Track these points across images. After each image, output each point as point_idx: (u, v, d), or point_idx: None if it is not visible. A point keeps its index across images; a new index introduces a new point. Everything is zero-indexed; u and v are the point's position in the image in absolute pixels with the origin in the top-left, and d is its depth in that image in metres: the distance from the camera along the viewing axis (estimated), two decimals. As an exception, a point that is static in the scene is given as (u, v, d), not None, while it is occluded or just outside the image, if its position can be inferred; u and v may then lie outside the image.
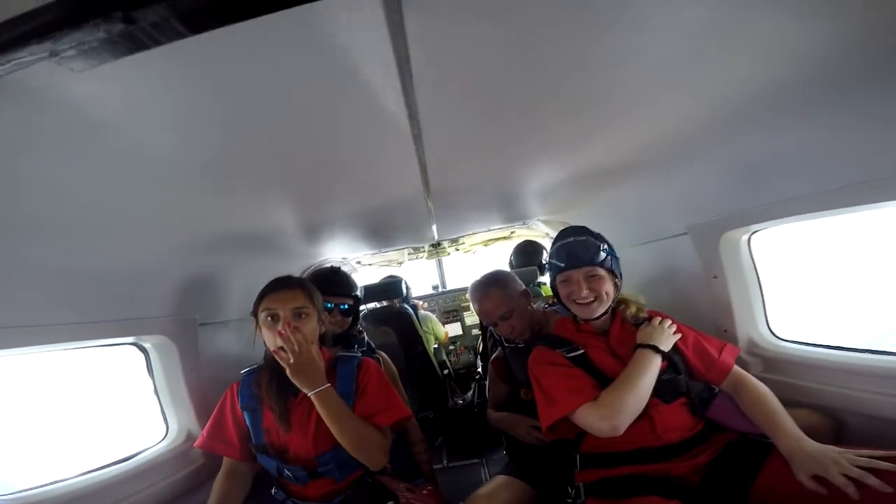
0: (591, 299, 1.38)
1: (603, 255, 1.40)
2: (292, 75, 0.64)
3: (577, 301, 1.39)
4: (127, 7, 0.45)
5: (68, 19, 0.45)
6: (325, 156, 0.98)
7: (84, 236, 1.12)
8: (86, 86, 0.57)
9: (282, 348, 1.27)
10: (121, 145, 0.75)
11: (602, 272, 1.39)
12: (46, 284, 1.18)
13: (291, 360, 1.24)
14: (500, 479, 1.54)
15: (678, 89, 0.93)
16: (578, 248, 1.40)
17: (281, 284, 1.38)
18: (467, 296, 1.87)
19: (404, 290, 3.28)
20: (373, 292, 3.17)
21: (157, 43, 0.49)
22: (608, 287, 1.40)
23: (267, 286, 1.39)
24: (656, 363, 1.28)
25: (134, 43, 0.49)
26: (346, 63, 0.63)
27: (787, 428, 1.17)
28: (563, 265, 1.41)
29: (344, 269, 1.92)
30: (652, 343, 1.32)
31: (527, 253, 3.24)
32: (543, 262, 2.99)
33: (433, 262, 4.67)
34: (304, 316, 1.34)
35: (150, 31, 0.47)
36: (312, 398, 1.27)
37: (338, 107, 0.76)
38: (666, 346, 1.33)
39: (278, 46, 0.57)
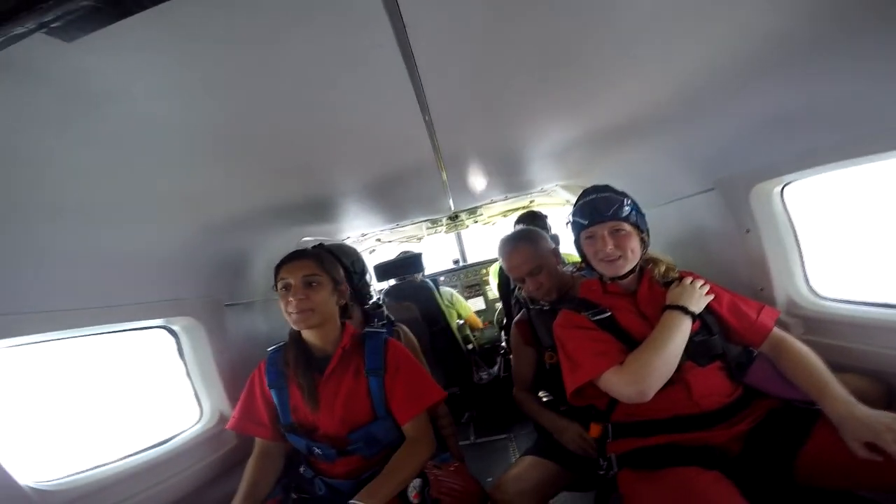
0: (617, 256, 1.32)
1: (627, 209, 1.34)
2: (290, 40, 0.62)
3: (603, 258, 1.34)
4: (107, -29, 0.43)
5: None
6: (331, 124, 0.96)
7: (105, 218, 1.13)
8: (81, 57, 0.56)
9: (291, 312, 1.32)
10: (126, 117, 0.74)
11: (627, 227, 1.33)
12: (71, 268, 1.20)
13: None
14: (528, 459, 1.53)
15: (695, 38, 0.87)
16: (601, 203, 1.34)
17: (293, 255, 1.40)
18: (497, 251, 1.81)
19: (423, 265, 3.27)
20: (391, 268, 3.17)
21: (143, 7, 0.48)
22: (634, 243, 1.34)
23: (282, 258, 1.41)
24: (686, 325, 1.23)
25: (120, 8, 0.48)
26: (344, 26, 0.61)
27: (836, 392, 1.10)
28: (586, 222, 1.36)
29: (361, 245, 1.91)
30: (681, 304, 1.26)
31: (530, 221, 3.14)
32: (549, 230, 2.91)
33: (452, 236, 4.64)
34: (314, 284, 1.35)
35: (135, -6, 0.46)
36: None
37: (339, 72, 0.73)
38: (696, 308, 1.26)
39: (274, 8, 0.55)
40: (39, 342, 1.25)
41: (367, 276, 1.94)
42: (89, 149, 0.80)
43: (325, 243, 1.74)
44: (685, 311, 1.24)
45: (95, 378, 1.65)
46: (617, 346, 1.27)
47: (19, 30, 0.46)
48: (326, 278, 1.38)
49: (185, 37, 0.58)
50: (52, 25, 0.47)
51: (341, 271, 1.48)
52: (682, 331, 1.22)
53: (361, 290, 1.87)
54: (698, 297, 1.29)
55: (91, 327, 1.36)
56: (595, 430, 1.40)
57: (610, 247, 1.31)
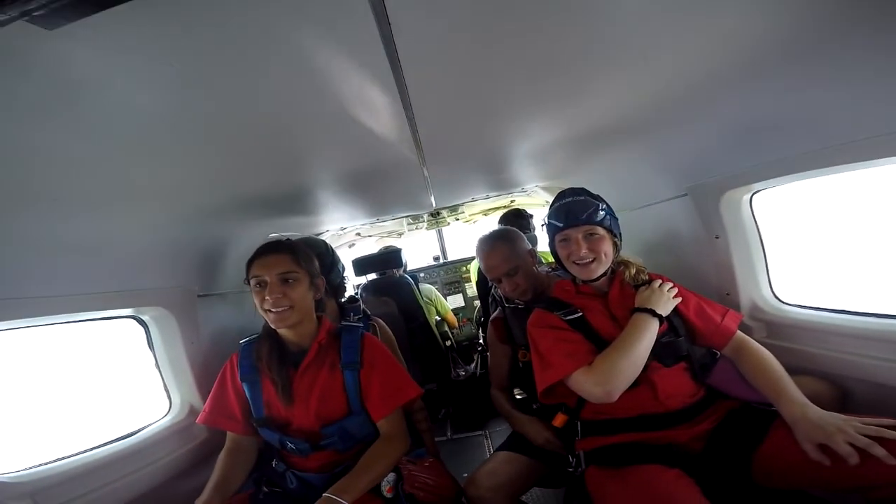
0: (590, 259, 1.35)
1: (602, 213, 1.37)
2: (270, 28, 0.61)
3: (576, 261, 1.37)
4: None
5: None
6: (310, 116, 0.95)
7: (78, 205, 1.10)
8: (62, 46, 0.55)
9: (269, 310, 1.29)
10: (105, 107, 0.73)
11: (601, 231, 1.36)
12: (38, 256, 1.17)
13: None
14: (501, 455, 1.55)
15: (673, 47, 0.89)
16: (577, 206, 1.37)
17: (267, 249, 1.35)
18: (475, 251, 1.82)
19: (403, 261, 3.26)
20: (370, 263, 3.15)
21: None
22: (607, 247, 1.37)
23: (255, 252, 1.37)
24: (653, 327, 1.26)
25: None
26: (329, 20, 0.61)
27: (791, 394, 1.15)
28: (561, 224, 1.38)
29: (341, 240, 1.89)
30: (649, 307, 1.29)
31: (514, 219, 3.17)
32: (532, 230, 2.94)
33: (433, 232, 4.64)
34: (291, 281, 1.32)
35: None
36: None
37: (317, 59, 0.73)
38: (664, 310, 1.30)
39: (259, 1, 0.55)
40: (2, 330, 1.22)
41: (340, 268, 1.92)
42: (65, 137, 0.78)
43: (292, 238, 1.69)
44: (653, 313, 1.27)
45: (62, 368, 1.61)
46: (586, 346, 1.30)
47: (1, 17, 0.45)
48: (303, 273, 1.36)
49: (168, 28, 0.57)
50: (35, 13, 0.46)
51: (317, 264, 1.45)
52: (649, 333, 1.25)
53: (335, 284, 1.85)
54: (666, 301, 1.32)
55: (57, 315, 1.32)
56: (559, 419, 1.42)
57: (584, 250, 1.34)
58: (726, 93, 1.18)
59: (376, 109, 0.98)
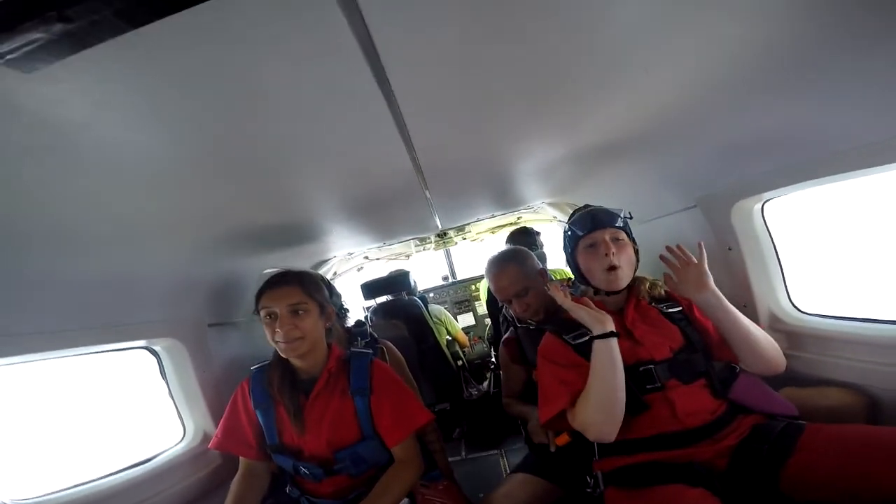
0: (619, 263, 1.31)
1: (623, 222, 1.37)
2: (263, 68, 0.62)
3: (604, 266, 1.32)
4: (60, 6, 0.42)
5: (3, 22, 0.43)
6: (310, 147, 0.95)
7: (84, 242, 1.12)
8: (42, 88, 0.55)
9: (279, 342, 1.30)
10: (101, 146, 0.73)
11: (625, 238, 1.36)
12: (52, 292, 1.19)
13: None
14: (517, 476, 1.52)
15: (680, 61, 0.88)
16: (601, 213, 1.37)
17: (276, 282, 1.36)
18: (484, 272, 1.82)
19: (412, 283, 3.26)
20: (378, 286, 3.16)
21: (101, 39, 0.47)
22: (631, 254, 1.35)
23: (263, 284, 1.38)
24: (608, 348, 1.21)
25: (77, 41, 0.47)
26: (308, 47, 0.60)
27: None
28: (587, 230, 1.35)
29: (348, 263, 1.90)
30: (591, 333, 1.25)
31: (521, 237, 3.15)
32: (540, 247, 2.92)
33: (441, 252, 4.64)
34: (301, 312, 1.32)
35: (90, 28, 0.45)
36: None
37: (314, 97, 0.73)
38: (601, 326, 1.24)
39: (237, 33, 0.54)
40: (19, 363, 1.24)
41: (337, 296, 1.89)
42: (66, 176, 0.79)
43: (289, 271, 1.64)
44: (598, 337, 1.23)
45: (77, 397, 1.63)
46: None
47: None
48: (313, 304, 1.36)
49: (152, 67, 0.57)
50: (9, 57, 0.46)
51: (326, 293, 1.46)
52: (608, 359, 1.20)
53: (339, 312, 1.84)
54: (593, 316, 1.27)
55: (70, 349, 1.33)
56: (562, 439, 1.39)
57: (613, 250, 1.31)
58: (733, 105, 1.17)
59: (374, 140, 0.99)
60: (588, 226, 1.35)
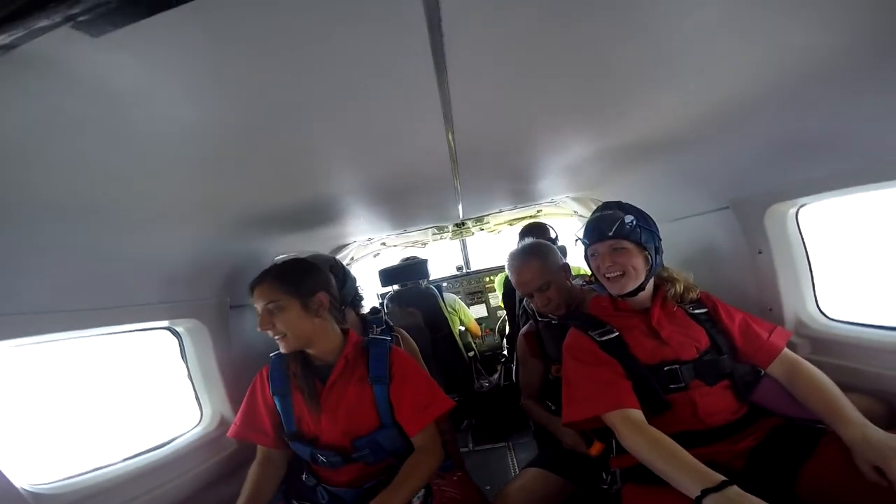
0: (618, 273, 1.32)
1: (628, 227, 1.32)
2: (326, 43, 0.60)
3: (606, 275, 1.35)
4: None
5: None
6: (352, 129, 0.94)
7: (114, 219, 1.11)
8: (107, 54, 0.53)
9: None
10: (145, 119, 0.72)
11: (628, 245, 1.32)
12: (76, 269, 1.19)
13: None
14: (532, 471, 1.51)
15: (728, 62, 0.86)
16: (602, 221, 1.36)
17: (258, 278, 1.35)
18: (506, 265, 1.81)
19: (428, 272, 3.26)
20: (397, 273, 3.16)
21: (176, 3, 0.45)
22: (636, 261, 1.32)
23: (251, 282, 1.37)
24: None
25: (151, 3, 0.45)
26: (382, 31, 0.59)
27: (851, 415, 1.09)
28: (589, 241, 1.39)
29: (366, 249, 1.87)
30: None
31: (535, 232, 3.09)
32: (555, 241, 2.86)
33: (457, 242, 4.63)
34: (276, 310, 1.29)
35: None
36: None
37: (368, 78, 0.72)
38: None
39: (315, 11, 0.53)
40: (42, 343, 1.24)
41: (352, 282, 1.85)
42: (105, 149, 0.78)
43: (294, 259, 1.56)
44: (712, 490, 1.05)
45: (95, 379, 1.65)
46: (621, 383, 1.24)
47: (44, 22, 0.43)
48: (289, 299, 1.30)
49: (216, 37, 0.55)
50: (80, 19, 0.44)
51: (315, 280, 1.38)
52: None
53: (348, 297, 1.80)
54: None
55: (95, 328, 1.35)
56: (596, 448, 1.38)
57: (608, 264, 1.32)
58: (774, 109, 1.15)
59: (417, 124, 0.97)
60: (589, 237, 1.39)
